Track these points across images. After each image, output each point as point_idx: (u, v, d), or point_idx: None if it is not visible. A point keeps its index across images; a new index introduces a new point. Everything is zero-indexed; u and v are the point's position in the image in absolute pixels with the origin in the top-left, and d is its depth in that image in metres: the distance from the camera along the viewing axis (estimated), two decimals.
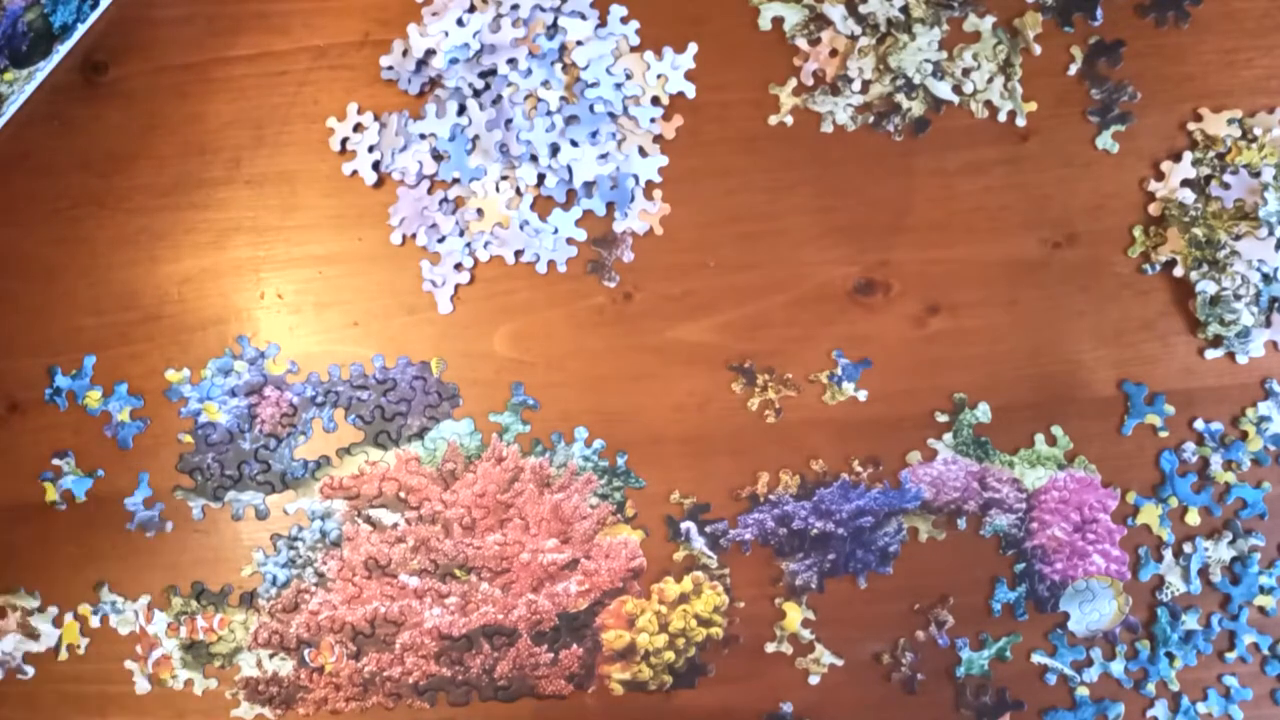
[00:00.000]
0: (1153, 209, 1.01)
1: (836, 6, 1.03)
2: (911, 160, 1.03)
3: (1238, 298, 0.98)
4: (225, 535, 1.02)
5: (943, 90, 1.02)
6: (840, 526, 0.99)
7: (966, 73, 1.03)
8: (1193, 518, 0.98)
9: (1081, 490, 0.99)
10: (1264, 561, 0.98)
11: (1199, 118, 1.01)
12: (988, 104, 1.02)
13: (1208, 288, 0.98)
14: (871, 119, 1.03)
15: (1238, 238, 0.99)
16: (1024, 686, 0.98)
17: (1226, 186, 1.00)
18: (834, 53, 1.03)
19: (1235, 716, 0.96)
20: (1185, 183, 1.00)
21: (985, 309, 1.01)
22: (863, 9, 1.03)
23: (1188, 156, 1.00)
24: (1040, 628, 0.98)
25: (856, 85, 1.03)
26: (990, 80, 1.02)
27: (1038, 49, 1.02)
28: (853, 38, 1.03)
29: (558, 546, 1.00)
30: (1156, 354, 1.00)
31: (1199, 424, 0.99)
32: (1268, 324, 0.99)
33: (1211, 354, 0.99)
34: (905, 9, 1.03)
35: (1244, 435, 0.99)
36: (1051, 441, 0.99)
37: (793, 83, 1.03)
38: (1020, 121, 1.02)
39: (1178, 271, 1.00)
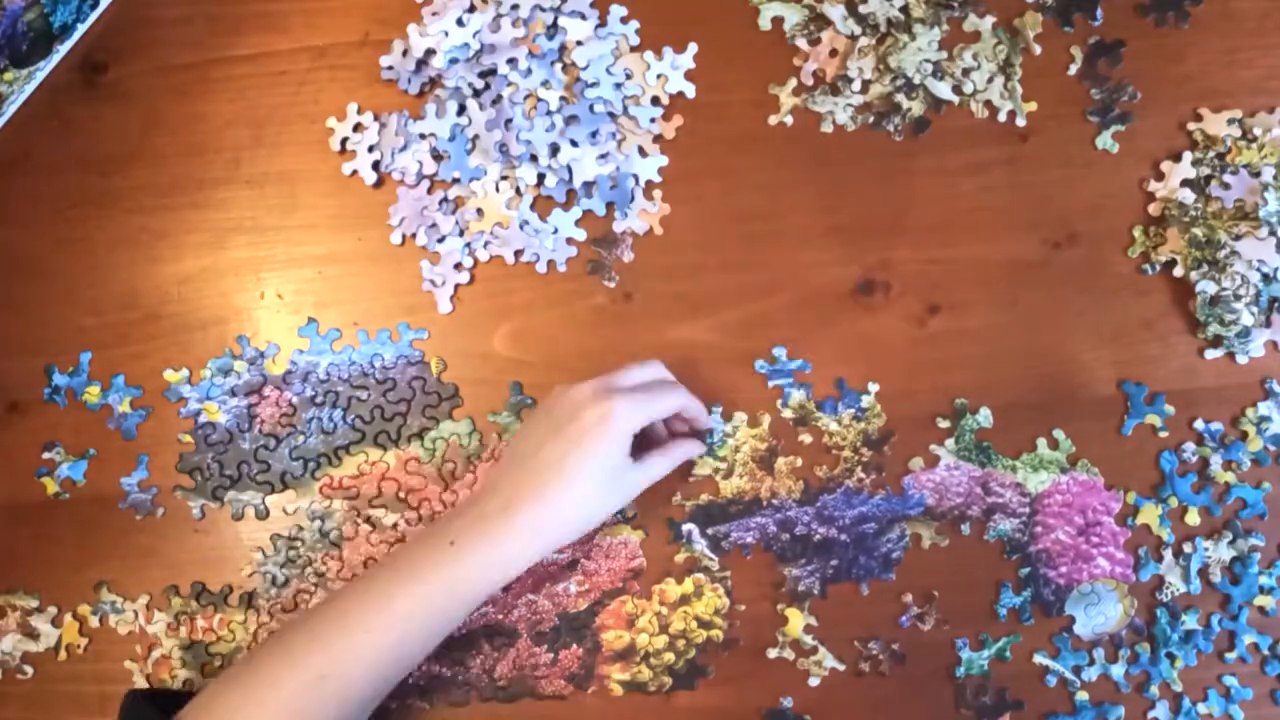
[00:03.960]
0: (1153, 209, 1.01)
1: (836, 6, 1.04)
2: (911, 160, 1.03)
3: (1238, 298, 0.98)
4: (225, 535, 1.02)
5: (943, 90, 1.02)
6: (843, 532, 0.99)
7: (966, 73, 1.03)
8: (1193, 518, 0.98)
9: (1084, 493, 0.99)
10: (1264, 561, 0.97)
11: (1199, 118, 1.01)
12: (987, 104, 1.02)
13: (1208, 288, 0.98)
14: (871, 119, 1.03)
15: (1238, 238, 0.99)
16: (1024, 688, 0.98)
17: (1226, 186, 1.00)
18: (834, 53, 1.03)
19: (1235, 716, 0.96)
20: (1185, 183, 1.00)
21: (985, 309, 1.01)
22: (863, 9, 1.03)
23: (1188, 156, 1.00)
24: (1046, 632, 0.98)
25: (856, 85, 1.03)
26: (990, 80, 1.02)
27: (1038, 49, 1.02)
28: (853, 38, 1.03)
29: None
30: (1156, 354, 1.00)
31: (1199, 424, 0.99)
32: (1268, 324, 0.98)
33: (1211, 354, 0.99)
34: (905, 9, 1.03)
35: (1244, 435, 0.99)
36: (1054, 445, 0.99)
37: (793, 83, 1.04)
38: (1020, 121, 1.02)
39: (1178, 271, 0.99)
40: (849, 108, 1.03)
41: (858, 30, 1.03)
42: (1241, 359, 0.99)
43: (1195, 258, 0.99)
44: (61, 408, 1.04)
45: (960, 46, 1.03)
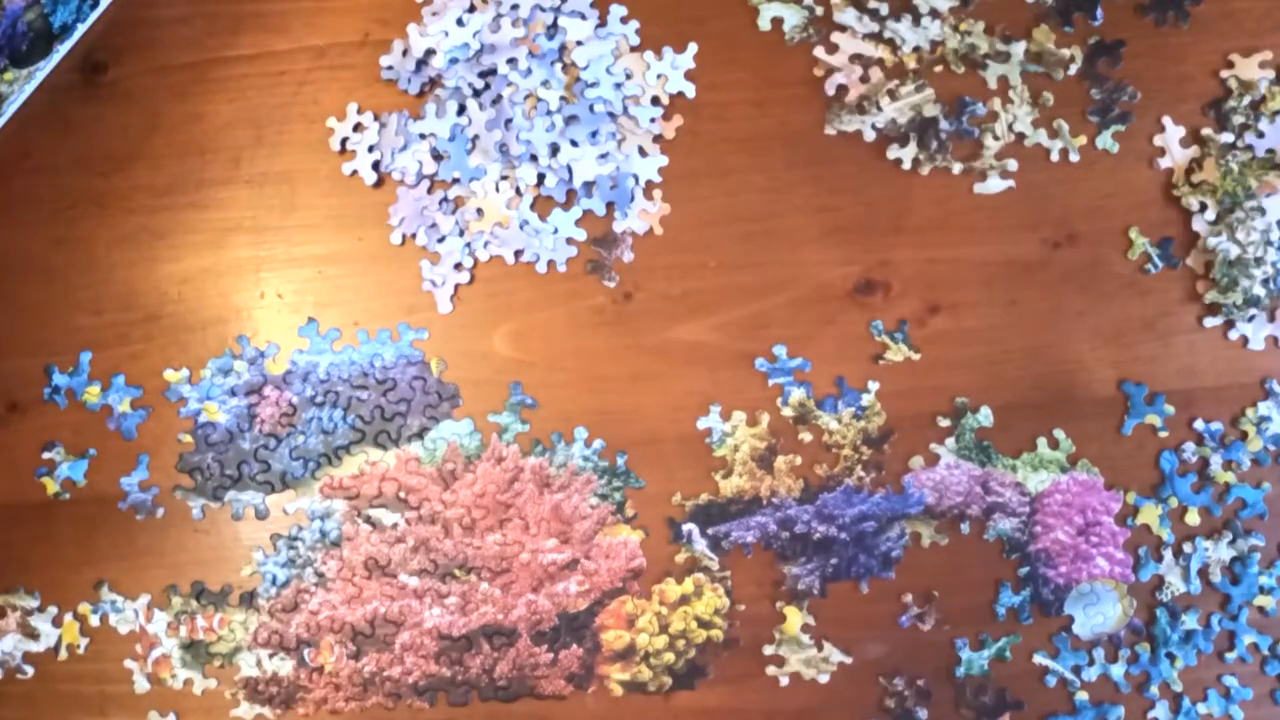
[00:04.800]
0: (1192, 152, 1.01)
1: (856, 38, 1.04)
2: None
3: (1257, 262, 0.98)
4: (225, 535, 1.02)
5: (990, 152, 1.02)
6: (843, 531, 0.99)
7: (1010, 127, 1.02)
8: (1193, 518, 0.98)
9: (1084, 493, 0.99)
10: (1264, 561, 0.97)
11: (1231, 64, 1.02)
12: (1038, 146, 1.02)
13: (1230, 249, 0.98)
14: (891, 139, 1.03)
15: (1267, 196, 0.99)
16: (1024, 688, 0.98)
17: (1261, 135, 1.00)
18: (864, 79, 1.03)
19: (1235, 716, 0.96)
20: (1223, 126, 1.00)
21: (985, 309, 1.01)
22: (888, 31, 1.03)
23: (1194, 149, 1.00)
24: (1045, 631, 0.98)
25: (884, 118, 1.03)
26: (1035, 125, 1.02)
27: (1062, 73, 1.02)
28: (882, 63, 1.03)
29: (558, 546, 1.00)
30: (1156, 354, 1.00)
31: (1199, 424, 0.99)
32: (1271, 318, 0.99)
33: (1210, 322, 0.99)
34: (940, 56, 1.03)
35: (1244, 435, 0.99)
36: (1054, 444, 0.99)
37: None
38: (1074, 158, 1.01)
39: (1209, 215, 0.99)
40: (873, 129, 1.03)
41: (886, 55, 1.03)
42: (1234, 334, 0.99)
43: (1226, 192, 0.98)
44: (61, 408, 1.04)
45: (1001, 119, 1.02)
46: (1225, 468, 0.98)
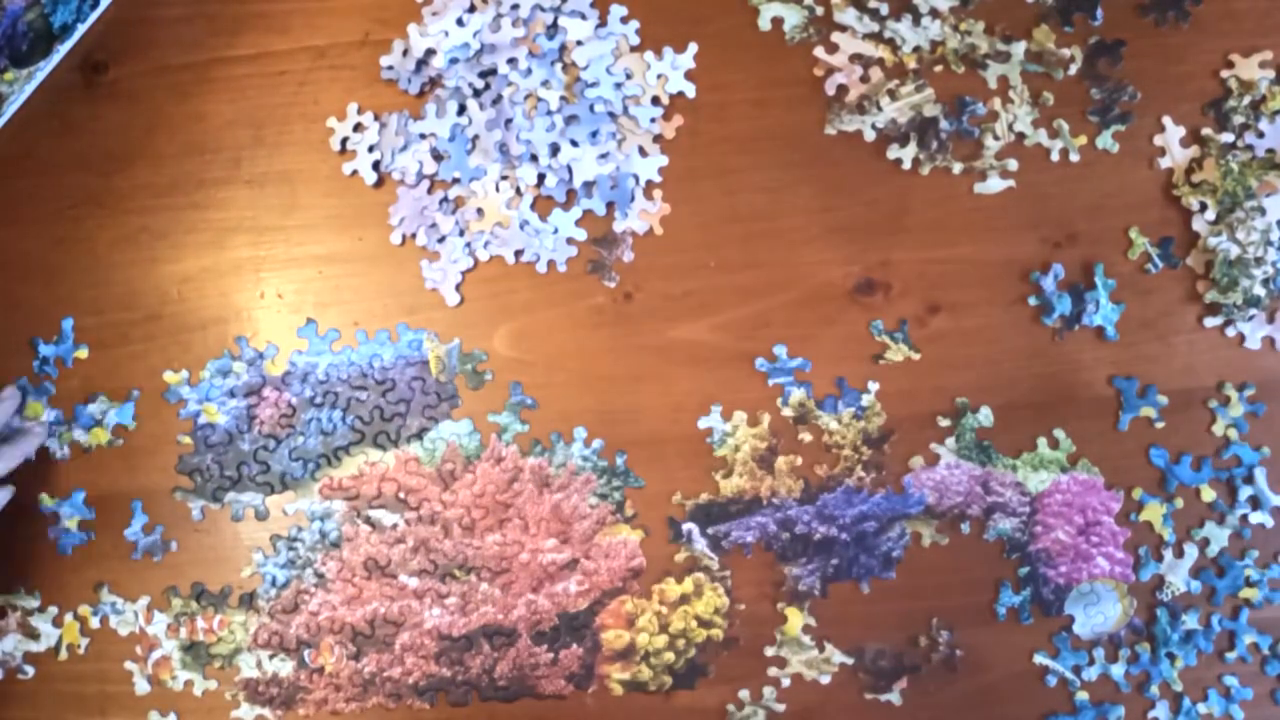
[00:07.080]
0: (1192, 152, 1.01)
1: (857, 38, 1.04)
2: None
3: (1257, 262, 0.98)
4: (225, 536, 1.02)
5: (990, 152, 1.02)
6: (843, 531, 0.99)
7: (1010, 127, 1.02)
8: (1208, 494, 0.98)
9: (1085, 493, 0.99)
10: (1262, 561, 0.98)
11: (1231, 64, 1.01)
12: (1038, 147, 1.02)
13: (1230, 249, 0.98)
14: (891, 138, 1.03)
15: (1268, 195, 0.99)
16: (1024, 688, 0.98)
17: (1261, 135, 1.00)
18: (864, 79, 1.03)
19: (1235, 716, 0.96)
20: (1224, 126, 1.00)
21: (985, 309, 1.01)
22: (889, 31, 1.03)
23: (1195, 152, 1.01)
24: (1046, 631, 0.98)
25: (884, 117, 1.03)
26: (1035, 125, 1.02)
27: (1064, 72, 1.02)
28: (882, 64, 1.03)
29: (557, 546, 1.00)
30: (1156, 354, 1.00)
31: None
32: (1270, 319, 0.99)
33: (1210, 322, 0.99)
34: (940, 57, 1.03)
35: (1226, 400, 0.99)
36: (1054, 444, 0.99)
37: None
38: (1074, 158, 1.01)
39: (1209, 215, 0.99)
40: (874, 128, 1.03)
41: (886, 55, 1.03)
42: (1231, 331, 0.99)
43: (1226, 192, 0.98)
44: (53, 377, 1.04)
45: (997, 120, 1.02)
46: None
